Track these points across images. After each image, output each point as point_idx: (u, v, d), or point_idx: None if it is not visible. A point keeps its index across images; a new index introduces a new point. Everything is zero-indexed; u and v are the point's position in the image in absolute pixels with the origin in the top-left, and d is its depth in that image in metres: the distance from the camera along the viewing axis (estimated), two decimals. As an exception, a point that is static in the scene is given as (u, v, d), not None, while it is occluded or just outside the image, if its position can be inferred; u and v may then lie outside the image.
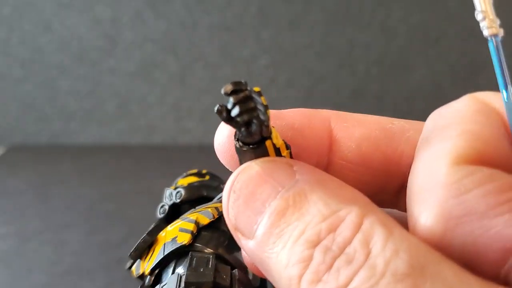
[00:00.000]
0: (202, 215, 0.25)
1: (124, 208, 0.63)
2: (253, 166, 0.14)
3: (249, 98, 0.14)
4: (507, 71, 0.13)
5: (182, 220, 0.25)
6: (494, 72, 0.13)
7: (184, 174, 0.34)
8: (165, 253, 0.24)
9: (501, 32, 0.13)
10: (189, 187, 0.31)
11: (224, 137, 0.17)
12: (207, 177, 0.33)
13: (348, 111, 0.18)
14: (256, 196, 0.14)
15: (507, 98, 0.13)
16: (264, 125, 0.14)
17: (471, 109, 0.13)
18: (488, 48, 0.13)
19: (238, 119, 0.14)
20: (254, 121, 0.14)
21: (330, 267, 0.11)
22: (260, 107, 0.14)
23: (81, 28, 0.80)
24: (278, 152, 0.15)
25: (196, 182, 0.32)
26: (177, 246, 0.24)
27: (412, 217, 0.12)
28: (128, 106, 0.84)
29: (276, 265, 0.12)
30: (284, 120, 0.16)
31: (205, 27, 0.80)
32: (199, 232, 0.25)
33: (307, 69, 0.82)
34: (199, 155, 0.78)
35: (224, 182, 0.33)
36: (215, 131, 0.17)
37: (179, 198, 0.29)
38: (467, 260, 0.11)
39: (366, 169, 0.17)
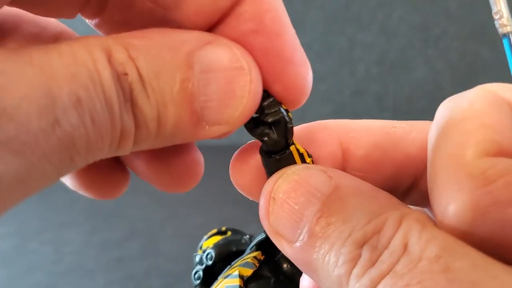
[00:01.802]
0: (243, 267, 0.26)
1: (124, 208, 0.63)
2: (289, 174, 0.15)
3: (273, 102, 0.15)
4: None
5: (224, 278, 0.26)
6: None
7: (205, 237, 0.36)
8: None
9: None
10: (217, 246, 0.32)
11: (239, 164, 0.17)
12: (229, 233, 0.35)
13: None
14: (297, 202, 0.14)
15: None
16: (289, 125, 0.15)
17: (485, 102, 0.14)
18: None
19: (267, 119, 0.15)
20: (280, 121, 0.15)
21: (375, 261, 0.13)
22: (283, 110, 0.15)
23: (81, 27, 0.79)
24: (302, 158, 0.16)
25: (221, 240, 0.34)
26: None
27: (438, 208, 0.13)
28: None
29: (324, 265, 0.13)
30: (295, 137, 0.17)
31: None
32: (245, 285, 0.25)
33: (307, 69, 0.82)
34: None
35: (245, 234, 0.35)
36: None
37: (211, 260, 0.30)
38: (493, 246, 0.12)
39: (377, 175, 0.17)
